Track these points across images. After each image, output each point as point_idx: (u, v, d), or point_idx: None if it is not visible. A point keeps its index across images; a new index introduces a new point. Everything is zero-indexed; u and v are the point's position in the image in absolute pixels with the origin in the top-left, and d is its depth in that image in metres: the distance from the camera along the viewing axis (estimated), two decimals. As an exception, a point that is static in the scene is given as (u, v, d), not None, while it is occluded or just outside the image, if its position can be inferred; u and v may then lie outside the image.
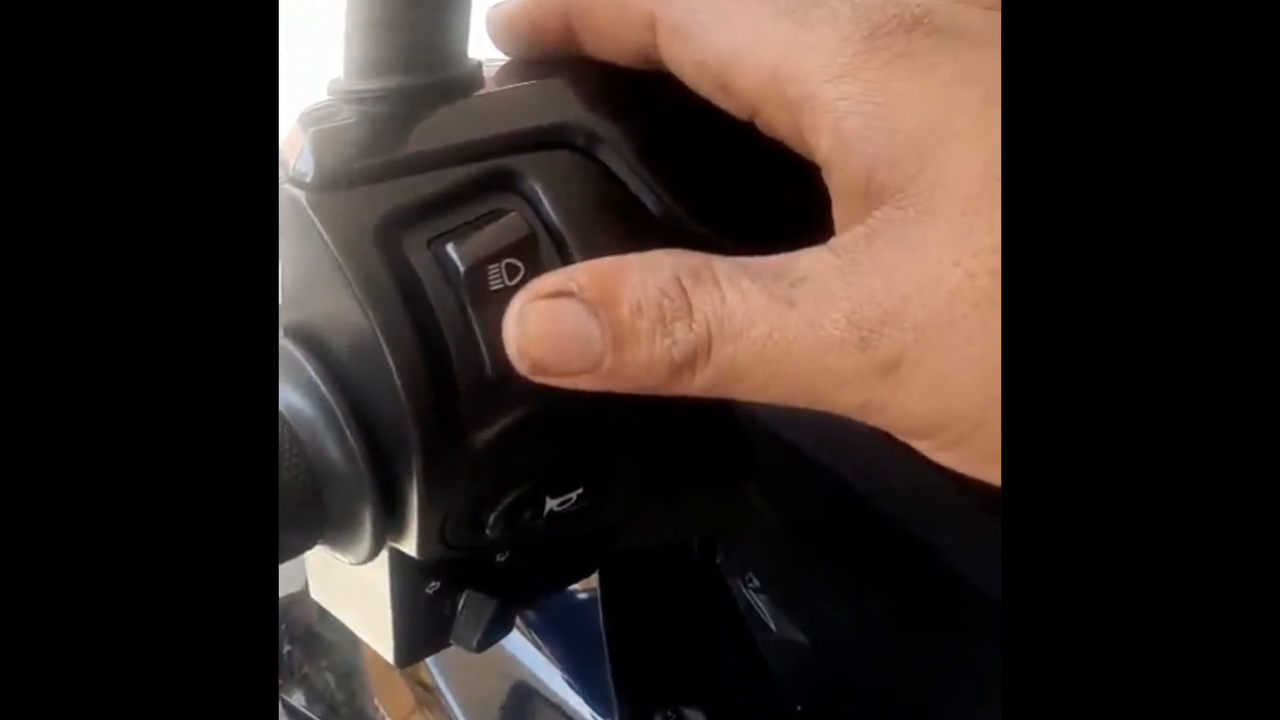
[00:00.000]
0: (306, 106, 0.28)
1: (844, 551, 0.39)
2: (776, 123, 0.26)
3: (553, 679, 0.45)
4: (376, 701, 0.65)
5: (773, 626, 0.44)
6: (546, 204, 0.27)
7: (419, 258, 0.26)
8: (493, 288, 0.26)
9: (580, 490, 0.29)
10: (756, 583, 0.44)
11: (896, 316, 0.23)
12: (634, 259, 0.26)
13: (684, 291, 0.25)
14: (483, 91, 0.28)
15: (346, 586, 0.32)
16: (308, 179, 0.26)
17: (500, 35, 0.30)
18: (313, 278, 0.26)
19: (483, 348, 0.26)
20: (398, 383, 0.25)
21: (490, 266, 0.26)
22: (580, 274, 0.25)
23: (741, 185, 0.29)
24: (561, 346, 0.25)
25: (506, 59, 0.31)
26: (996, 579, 0.35)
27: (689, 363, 0.25)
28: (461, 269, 0.26)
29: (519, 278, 0.26)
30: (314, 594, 0.34)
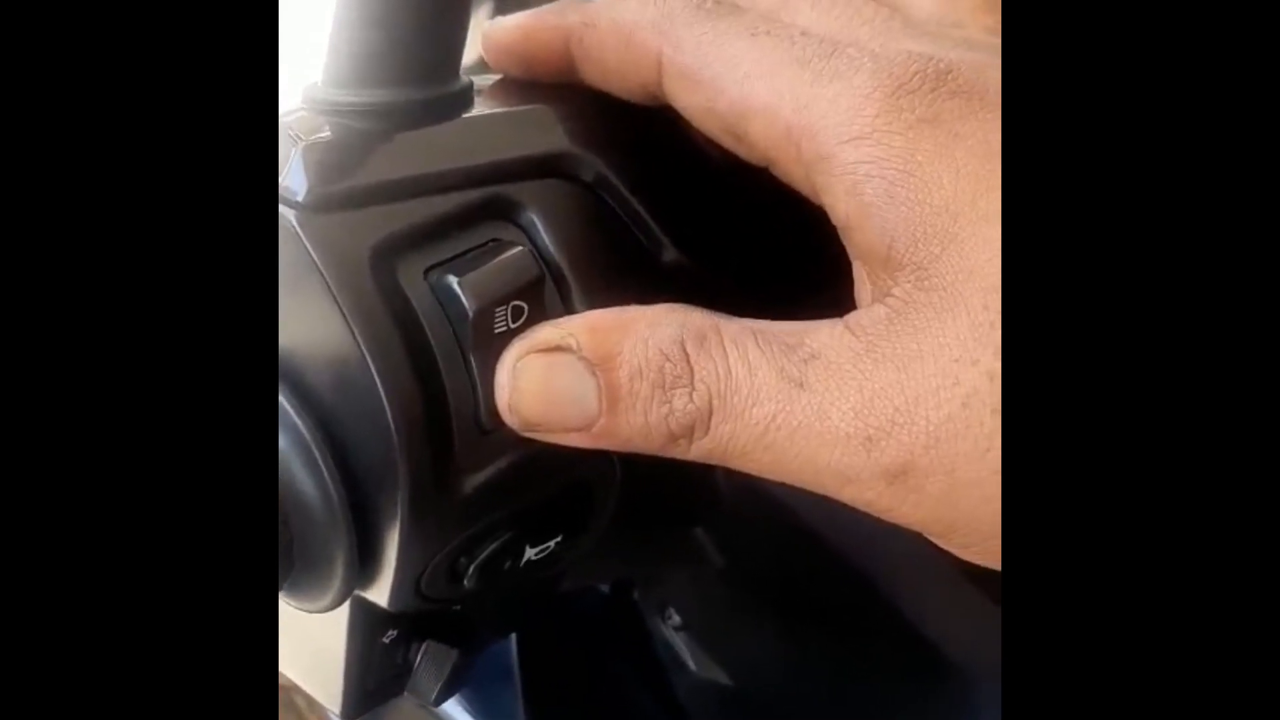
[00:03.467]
0: (287, 119, 0.26)
1: (787, 594, 0.38)
2: (791, 176, 0.25)
3: (462, 717, 0.43)
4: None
5: (692, 666, 0.43)
6: (546, 238, 0.26)
7: (414, 287, 0.24)
8: (496, 330, 0.25)
9: (559, 538, 0.28)
10: (678, 620, 0.43)
11: (908, 418, 0.22)
12: (638, 315, 0.24)
13: (686, 357, 0.23)
14: (477, 112, 0.27)
15: (285, 630, 0.30)
16: (299, 198, 0.24)
17: (496, 54, 0.29)
18: (295, 302, 0.24)
19: (479, 390, 0.25)
20: (390, 419, 0.24)
21: (498, 309, 0.24)
22: (579, 329, 0.24)
23: (746, 226, 0.29)
24: (555, 405, 0.24)
25: (494, 74, 0.29)
26: (951, 633, 0.35)
27: (686, 433, 0.24)
28: (470, 311, 0.24)
29: (522, 320, 0.25)
30: None
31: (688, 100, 0.26)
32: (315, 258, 0.24)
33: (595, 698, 0.44)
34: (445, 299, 0.24)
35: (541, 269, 0.25)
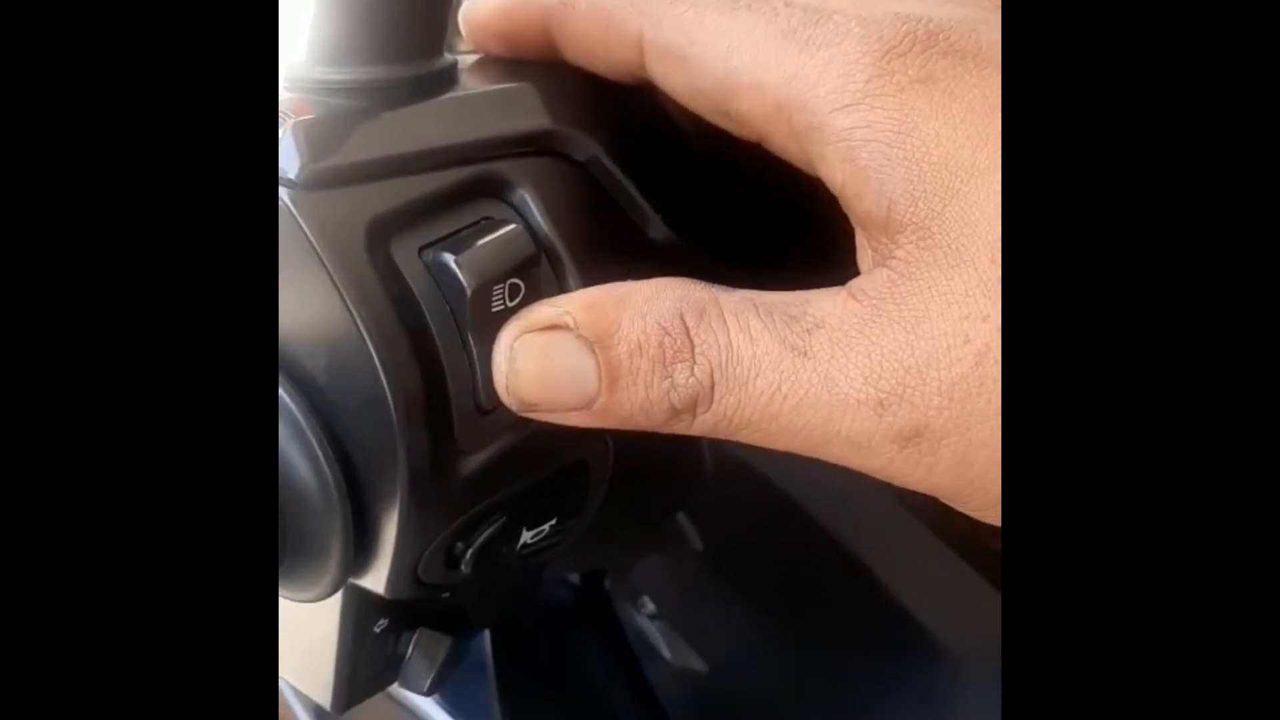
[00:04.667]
0: None
1: (765, 577, 0.38)
2: (784, 149, 0.25)
3: (435, 712, 0.43)
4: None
5: (667, 654, 0.43)
6: (538, 216, 0.26)
7: (409, 266, 0.24)
8: (494, 309, 0.24)
9: (554, 520, 0.27)
10: (651, 608, 0.43)
11: (919, 379, 0.21)
12: (634, 290, 0.24)
13: (686, 330, 0.23)
14: (465, 90, 0.26)
15: None
16: (292, 176, 0.23)
17: (475, 33, 0.28)
18: (288, 282, 0.24)
19: (478, 370, 0.24)
20: (389, 400, 0.23)
21: (495, 287, 0.24)
22: (576, 307, 0.23)
23: (739, 202, 0.28)
24: (553, 385, 0.23)
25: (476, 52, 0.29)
26: (931, 615, 0.35)
27: (689, 407, 0.23)
28: (469, 289, 0.23)
29: (519, 298, 0.24)
30: None
31: (672, 80, 0.25)
32: (310, 236, 0.23)
33: (569, 688, 0.44)
34: (442, 277, 0.24)
35: (537, 247, 0.25)
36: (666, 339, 0.23)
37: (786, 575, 0.37)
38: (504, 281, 0.24)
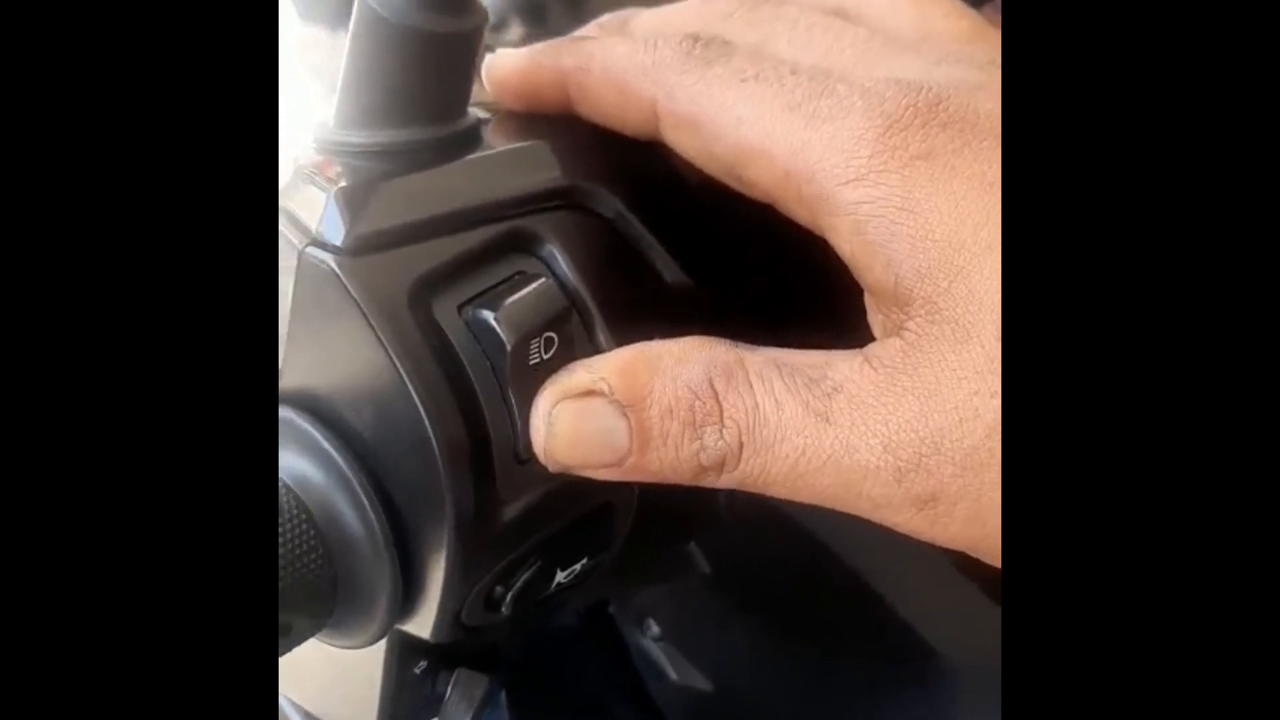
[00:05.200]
0: (301, 160, 0.26)
1: (772, 598, 0.39)
2: (794, 213, 0.26)
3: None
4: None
5: (672, 674, 0.44)
6: (565, 268, 0.27)
7: (450, 323, 0.25)
8: (530, 362, 0.25)
9: (585, 560, 0.28)
10: (657, 630, 0.44)
11: (934, 448, 0.23)
12: (664, 352, 0.25)
13: (715, 394, 0.24)
14: (491, 148, 0.27)
15: (307, 664, 0.30)
16: (337, 242, 0.24)
17: (496, 88, 0.29)
18: (335, 344, 0.25)
19: (517, 422, 0.25)
20: (436, 450, 0.24)
21: (532, 341, 0.25)
22: (610, 371, 0.25)
23: (757, 252, 0.29)
24: (588, 447, 0.25)
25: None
26: (936, 639, 0.36)
27: (716, 466, 0.24)
28: (509, 345, 0.25)
29: (553, 351, 0.25)
30: None
31: (685, 145, 0.27)
32: (358, 300, 0.24)
33: (577, 709, 0.45)
34: (482, 333, 0.25)
35: (567, 300, 0.26)
36: (696, 402, 0.24)
37: (792, 596, 0.39)
38: (539, 335, 0.25)
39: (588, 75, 0.28)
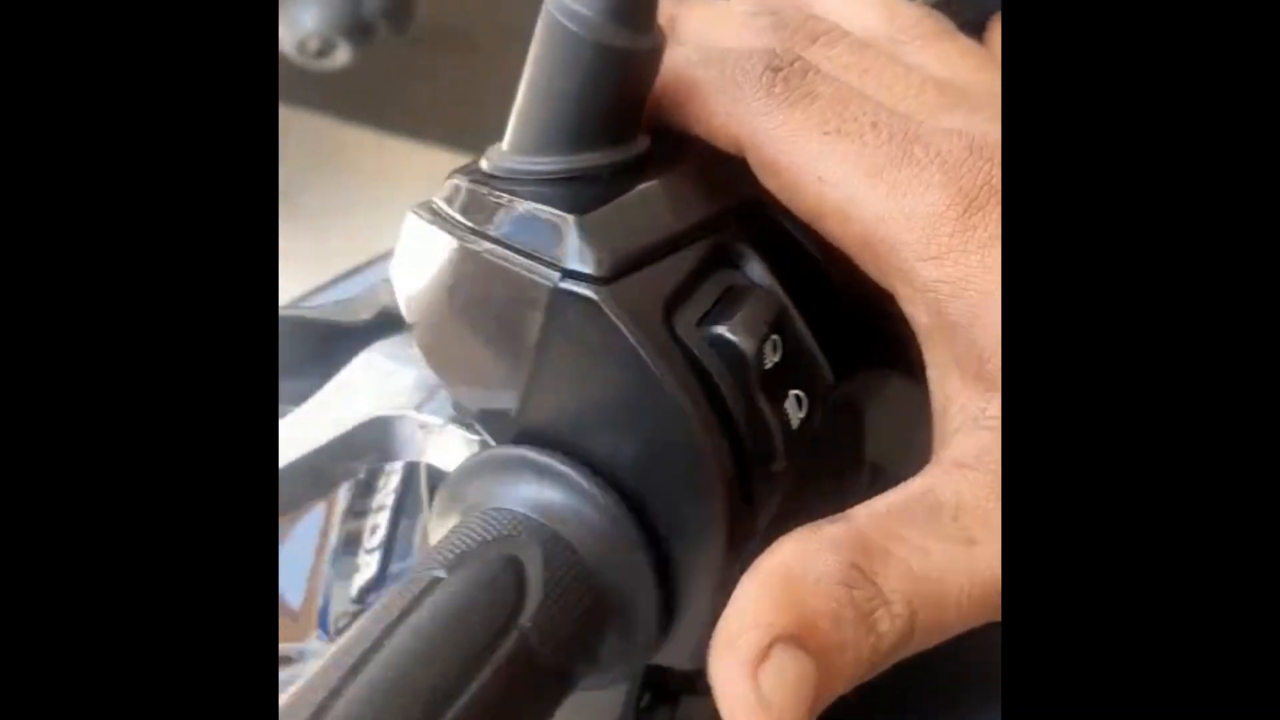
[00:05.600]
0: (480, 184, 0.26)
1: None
2: (869, 270, 0.26)
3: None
4: None
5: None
6: (761, 274, 0.27)
7: (694, 340, 0.25)
8: (766, 367, 0.25)
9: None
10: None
11: None
12: (790, 561, 0.22)
13: (866, 577, 0.22)
14: (677, 167, 0.27)
15: None
16: (592, 271, 0.24)
17: None
18: (589, 375, 0.24)
19: (771, 430, 0.25)
20: (713, 471, 0.24)
21: (764, 347, 0.25)
22: (764, 610, 0.22)
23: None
24: (798, 698, 0.22)
25: None
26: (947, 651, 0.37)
27: (904, 642, 0.23)
28: (749, 353, 0.25)
29: (780, 352, 0.26)
30: None
31: (770, 185, 0.27)
32: (621, 327, 0.24)
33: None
34: (721, 347, 0.25)
35: (782, 299, 0.26)
36: (855, 592, 0.22)
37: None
38: (768, 340, 0.25)
39: (681, 107, 0.27)
